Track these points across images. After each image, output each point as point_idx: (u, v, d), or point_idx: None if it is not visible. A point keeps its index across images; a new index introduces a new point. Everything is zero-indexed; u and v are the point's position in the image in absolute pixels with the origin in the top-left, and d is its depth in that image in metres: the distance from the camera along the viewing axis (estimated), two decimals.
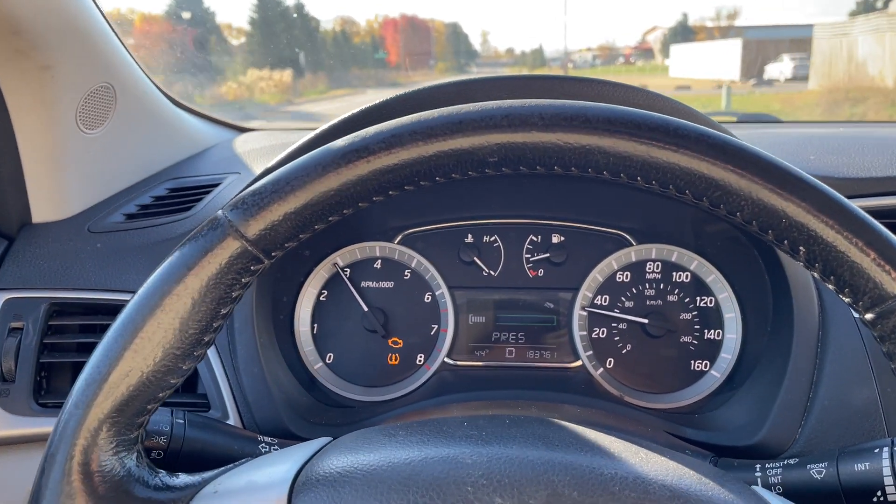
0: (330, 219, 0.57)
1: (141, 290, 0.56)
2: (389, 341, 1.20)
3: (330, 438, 0.65)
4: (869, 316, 0.52)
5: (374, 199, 0.57)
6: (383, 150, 0.55)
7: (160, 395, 0.57)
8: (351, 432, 0.64)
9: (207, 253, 0.55)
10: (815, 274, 0.53)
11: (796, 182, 0.51)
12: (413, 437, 0.58)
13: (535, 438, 0.58)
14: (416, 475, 0.53)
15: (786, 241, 0.52)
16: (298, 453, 0.60)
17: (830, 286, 0.53)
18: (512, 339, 1.20)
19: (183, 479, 0.60)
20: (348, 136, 0.56)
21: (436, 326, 1.21)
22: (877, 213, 1.04)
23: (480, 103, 0.55)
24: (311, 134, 1.03)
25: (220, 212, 0.56)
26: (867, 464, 0.72)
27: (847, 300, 0.52)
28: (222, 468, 0.62)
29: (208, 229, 0.56)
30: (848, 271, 0.51)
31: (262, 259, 0.57)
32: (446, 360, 1.19)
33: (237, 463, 0.63)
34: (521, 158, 0.54)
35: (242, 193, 0.57)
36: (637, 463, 0.54)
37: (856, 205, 0.52)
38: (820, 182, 0.52)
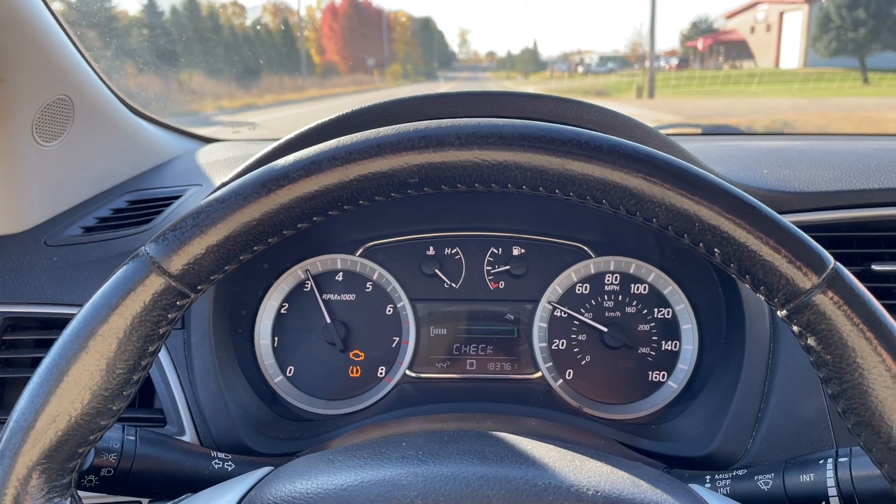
0: (255, 248, 0.57)
1: (65, 332, 0.55)
2: (351, 354, 1.20)
3: (271, 468, 0.65)
4: (784, 312, 0.53)
5: (299, 225, 0.56)
6: (303, 177, 0.54)
7: (91, 437, 0.56)
8: (301, 452, 0.64)
9: (130, 291, 0.54)
10: (732, 273, 0.54)
11: (706, 186, 0.53)
12: (350, 462, 0.59)
13: (470, 454, 0.58)
14: (353, 499, 0.53)
15: (701, 244, 0.54)
16: (239, 486, 0.60)
17: (747, 284, 0.54)
18: (473, 350, 1.21)
19: None
20: (267, 165, 0.56)
21: (397, 339, 1.21)
22: (825, 226, 1.07)
23: (397, 126, 0.55)
24: (255, 156, 1.02)
25: (142, 248, 0.56)
26: (812, 475, 0.74)
27: (763, 297, 0.54)
28: None
29: (130, 264, 0.55)
30: (761, 270, 0.52)
31: (188, 293, 0.56)
32: (408, 372, 1.19)
33: (177, 500, 0.63)
34: (441, 178, 0.55)
35: (164, 228, 0.56)
36: (571, 471, 0.55)
37: (805, 218, 0.53)
38: (729, 185, 0.54)
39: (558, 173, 0.54)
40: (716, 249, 0.53)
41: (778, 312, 0.54)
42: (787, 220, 0.53)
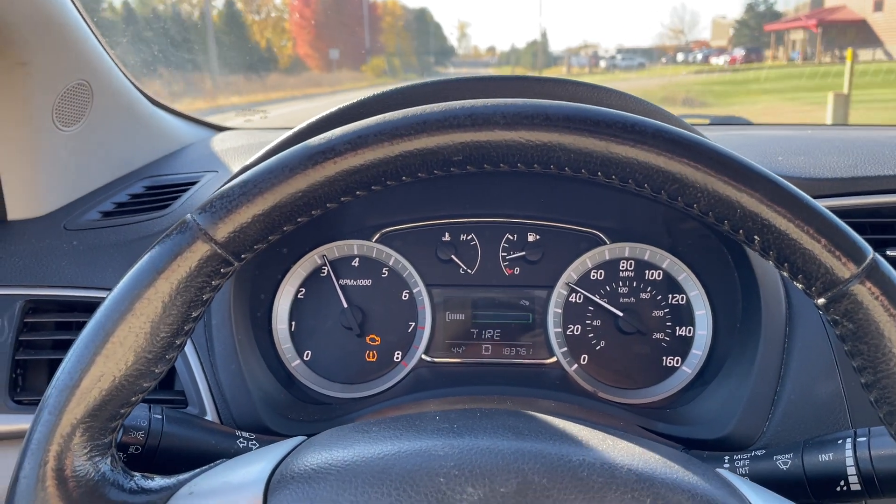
0: (298, 220, 0.58)
1: (111, 295, 0.56)
2: (367, 338, 1.21)
3: (305, 437, 0.66)
4: (821, 301, 0.54)
5: (342, 199, 0.58)
6: (349, 151, 0.56)
7: (133, 399, 0.57)
8: (325, 430, 0.65)
9: (177, 257, 0.56)
10: (771, 261, 0.55)
11: (748, 173, 0.53)
12: (386, 433, 0.60)
13: (505, 429, 0.59)
14: (390, 469, 0.54)
15: (741, 231, 0.55)
16: (273, 452, 0.61)
17: (785, 273, 0.55)
18: (488, 336, 1.22)
19: (158, 481, 0.61)
20: (315, 138, 0.57)
21: (413, 324, 1.22)
22: (841, 212, 1.07)
23: (444, 104, 0.56)
24: (285, 135, 1.03)
25: (188, 215, 0.57)
26: (831, 454, 0.75)
27: (801, 286, 0.55)
28: (197, 469, 0.63)
29: (177, 233, 0.56)
30: (800, 258, 0.53)
31: (232, 262, 0.57)
32: (423, 357, 1.20)
33: (212, 464, 0.64)
34: (484, 157, 0.56)
35: (211, 197, 0.57)
36: (604, 449, 0.56)
37: (820, 204, 0.54)
38: (771, 173, 0.54)
39: (602, 156, 0.55)
40: (756, 237, 0.54)
41: (815, 301, 0.55)
42: None
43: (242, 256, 0.58)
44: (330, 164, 0.56)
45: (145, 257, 0.57)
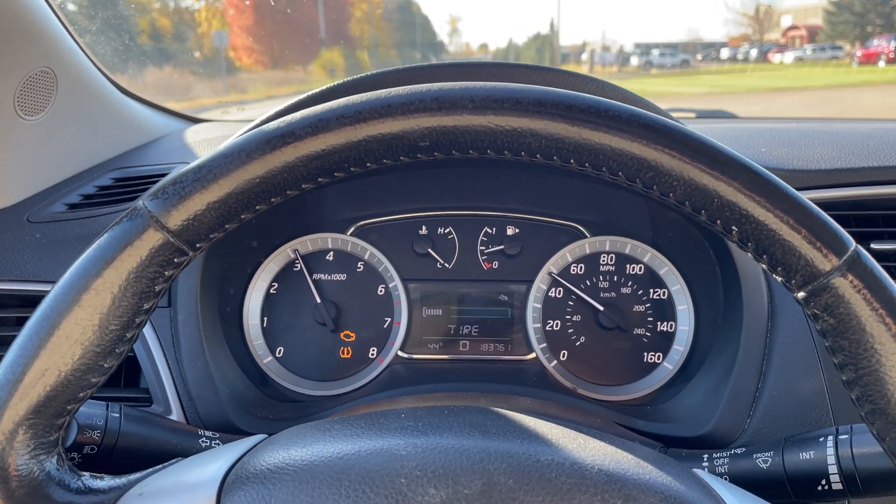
0: (257, 207, 0.55)
1: (57, 285, 0.53)
2: (342, 334, 1.18)
3: (265, 435, 0.63)
4: (801, 294, 0.52)
5: (303, 186, 0.55)
6: (310, 135, 0.53)
7: (80, 394, 0.55)
8: (286, 429, 0.62)
9: (127, 245, 0.53)
10: (749, 253, 0.52)
11: (726, 161, 0.51)
12: (348, 431, 0.57)
13: (471, 427, 0.57)
14: (349, 469, 0.51)
15: (719, 221, 0.52)
16: (231, 451, 0.59)
17: (763, 265, 0.53)
18: (466, 331, 1.19)
19: (107, 481, 0.58)
20: (273, 122, 0.54)
21: (389, 319, 1.19)
22: (824, 204, 1.05)
23: (410, 86, 0.54)
24: (251, 124, 1.00)
25: (139, 201, 0.54)
26: (812, 453, 0.73)
27: (780, 279, 0.52)
28: (150, 469, 0.60)
29: (127, 220, 0.54)
30: (780, 250, 0.51)
31: (187, 251, 0.55)
32: (399, 353, 1.17)
33: (166, 464, 0.61)
34: (452, 142, 0.53)
35: (163, 182, 0.54)
36: (575, 449, 0.54)
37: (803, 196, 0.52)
38: (750, 161, 0.52)
39: (574, 142, 0.52)
40: (734, 227, 0.52)
41: (795, 294, 0.52)
42: None
43: (198, 246, 0.55)
44: (289, 149, 0.53)
45: (94, 245, 0.54)
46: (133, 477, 0.59)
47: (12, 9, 1.11)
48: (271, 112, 0.99)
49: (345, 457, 0.53)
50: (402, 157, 0.54)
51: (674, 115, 1.06)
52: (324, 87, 0.99)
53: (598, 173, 0.53)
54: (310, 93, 0.99)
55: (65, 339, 0.52)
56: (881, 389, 0.50)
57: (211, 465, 0.56)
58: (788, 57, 31.75)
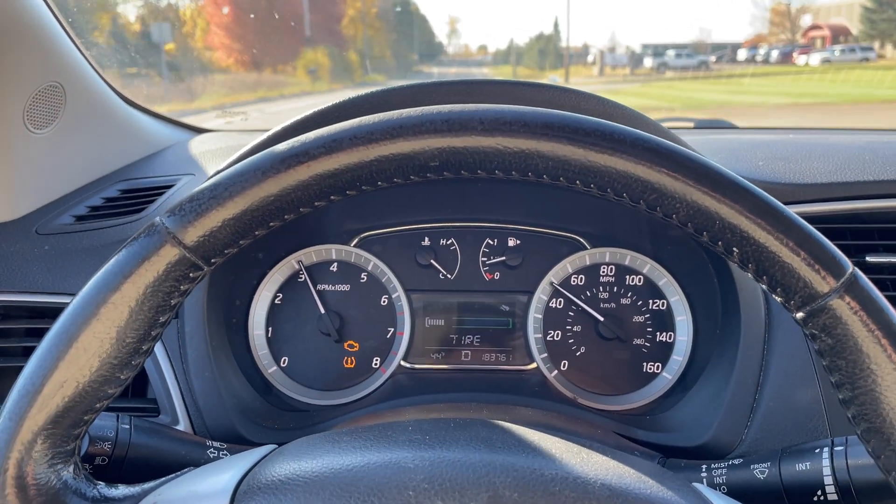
0: (271, 224, 0.57)
1: (76, 299, 0.55)
2: (345, 344, 1.20)
3: (275, 446, 0.64)
4: (800, 315, 0.53)
5: (316, 203, 0.57)
6: (323, 155, 0.55)
7: (97, 405, 0.56)
8: (296, 439, 0.64)
9: (144, 261, 0.54)
10: (750, 274, 0.54)
11: (728, 185, 0.53)
12: (356, 443, 0.58)
13: (477, 441, 0.58)
14: (358, 481, 0.52)
15: (720, 243, 0.54)
16: (242, 461, 0.60)
17: (764, 286, 0.54)
18: (468, 341, 1.21)
19: (122, 490, 0.59)
20: (289, 141, 0.56)
21: (392, 329, 1.21)
22: (821, 218, 1.08)
23: (421, 108, 0.55)
24: (259, 139, 1.02)
25: (157, 218, 0.56)
26: (808, 464, 0.74)
27: (779, 299, 0.54)
28: (163, 478, 0.61)
29: (145, 236, 0.55)
30: (779, 271, 0.52)
31: (202, 266, 0.56)
32: (402, 363, 1.19)
33: (179, 473, 0.62)
34: (462, 163, 0.55)
35: (180, 199, 0.56)
36: (577, 463, 0.55)
37: (800, 210, 0.53)
38: (752, 184, 0.53)
39: (580, 164, 0.54)
40: (735, 249, 0.53)
41: (793, 315, 0.54)
42: None
43: (213, 261, 0.57)
44: (303, 168, 0.55)
45: (112, 261, 0.56)
46: (147, 486, 0.60)
47: (23, 25, 1.13)
48: (278, 128, 1.00)
49: (354, 468, 0.54)
50: (412, 177, 0.56)
51: (671, 125, 1.08)
52: (331, 104, 1.01)
53: (603, 194, 0.55)
54: (319, 108, 1.01)
55: (83, 352, 0.54)
56: (877, 409, 0.51)
57: (223, 475, 0.58)
58: (815, 59, 30.12)
